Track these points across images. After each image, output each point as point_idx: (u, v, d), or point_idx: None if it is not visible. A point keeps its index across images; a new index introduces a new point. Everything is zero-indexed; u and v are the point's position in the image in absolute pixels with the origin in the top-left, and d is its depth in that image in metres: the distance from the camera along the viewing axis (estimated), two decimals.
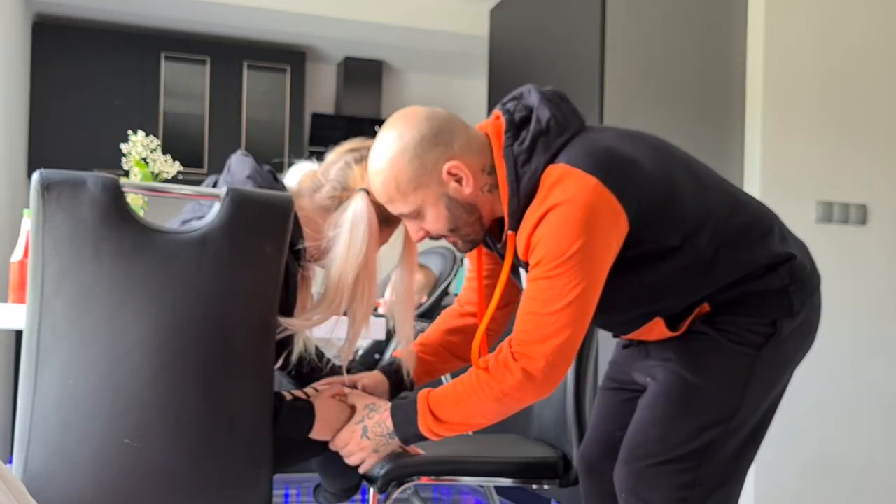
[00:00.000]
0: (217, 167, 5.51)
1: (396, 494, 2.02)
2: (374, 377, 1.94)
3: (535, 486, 2.23)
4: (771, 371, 1.76)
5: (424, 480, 2.06)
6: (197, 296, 1.50)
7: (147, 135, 2.62)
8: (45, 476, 1.48)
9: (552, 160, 1.64)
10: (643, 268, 1.70)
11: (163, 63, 5.42)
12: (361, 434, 1.75)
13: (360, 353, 3.29)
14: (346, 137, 6.42)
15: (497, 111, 1.73)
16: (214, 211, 1.53)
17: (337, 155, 1.81)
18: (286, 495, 4.46)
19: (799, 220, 3.61)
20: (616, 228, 1.62)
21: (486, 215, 1.73)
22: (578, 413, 2.16)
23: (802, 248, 1.82)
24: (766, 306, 1.74)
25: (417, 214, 1.71)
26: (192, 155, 5.43)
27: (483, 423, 1.70)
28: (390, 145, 1.66)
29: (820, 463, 3.60)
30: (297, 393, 1.81)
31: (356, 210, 1.71)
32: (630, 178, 1.64)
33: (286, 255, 1.58)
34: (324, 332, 1.85)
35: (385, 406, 1.76)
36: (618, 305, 1.76)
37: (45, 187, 1.45)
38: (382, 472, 2.00)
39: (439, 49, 5.68)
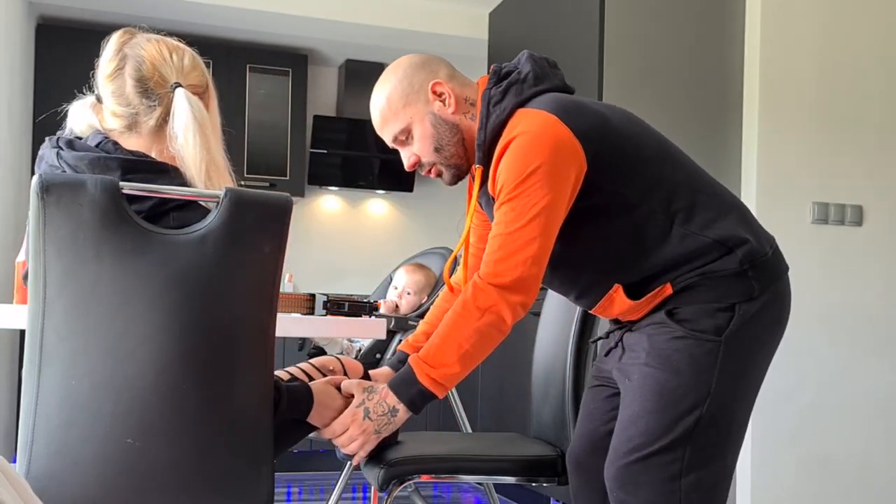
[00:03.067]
0: None
1: (397, 492, 2.04)
2: (384, 373, 2.00)
3: (533, 484, 2.25)
4: (736, 357, 1.78)
5: (425, 478, 2.08)
6: (197, 296, 1.50)
7: None
8: (49, 476, 1.48)
9: (522, 105, 1.80)
10: (597, 220, 1.79)
11: None
12: (363, 416, 1.78)
13: (362, 352, 3.31)
14: (347, 139, 6.44)
15: (493, 67, 1.90)
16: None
17: (114, 80, 1.65)
18: (288, 493, 4.48)
19: (795, 221, 3.62)
20: (574, 159, 1.73)
21: (467, 139, 1.88)
22: (577, 412, 2.18)
23: (764, 236, 1.85)
24: (725, 288, 1.77)
25: (407, 136, 1.89)
26: None
27: (475, 355, 1.75)
28: (386, 76, 1.91)
29: (816, 461, 3.61)
30: (294, 371, 1.82)
31: (180, 112, 1.60)
32: (591, 124, 1.77)
33: (284, 255, 1.59)
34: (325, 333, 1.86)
35: (382, 386, 1.79)
36: (572, 260, 1.84)
37: (45, 190, 1.45)
38: (383, 470, 2.02)
39: (439, 52, 5.70)
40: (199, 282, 1.50)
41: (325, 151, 5.74)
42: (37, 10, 5.14)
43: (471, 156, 1.89)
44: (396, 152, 1.97)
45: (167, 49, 1.67)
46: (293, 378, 1.82)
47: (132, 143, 1.63)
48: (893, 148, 3.76)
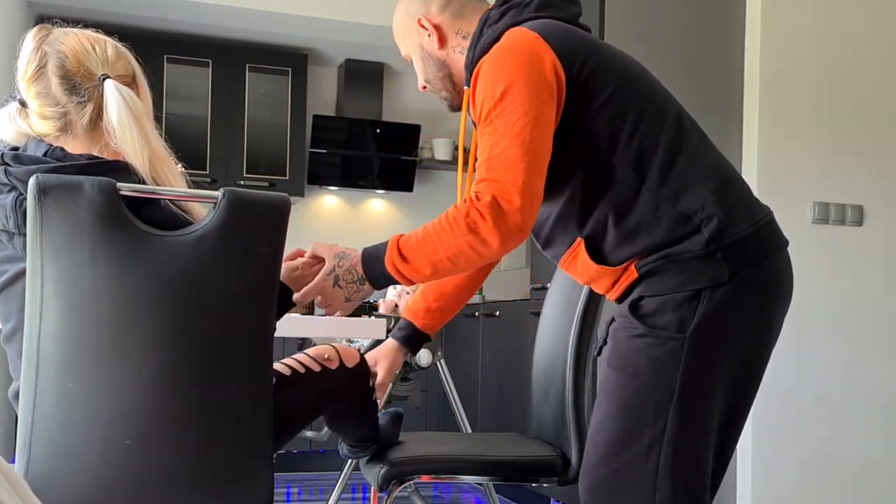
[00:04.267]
0: (219, 169, 5.55)
1: (397, 492, 2.04)
2: (389, 344, 2.10)
3: (533, 484, 2.25)
4: (705, 353, 1.65)
5: (425, 478, 2.08)
6: (194, 297, 1.50)
7: None
8: (47, 478, 1.48)
9: (515, 25, 1.74)
10: (566, 166, 1.70)
11: (165, 65, 5.44)
12: (333, 283, 1.73)
13: (361, 352, 3.31)
14: (347, 139, 6.42)
15: None
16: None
17: (37, 80, 1.58)
18: (288, 493, 4.48)
19: (795, 220, 3.62)
20: (551, 70, 1.66)
21: (455, 74, 1.87)
22: (577, 412, 2.17)
23: (743, 213, 1.68)
24: (692, 273, 1.63)
25: (410, 60, 1.92)
26: (194, 157, 5.45)
27: (447, 268, 1.67)
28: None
29: (817, 460, 3.62)
30: (290, 362, 1.81)
31: (113, 105, 1.55)
32: (576, 48, 1.69)
33: (283, 255, 1.58)
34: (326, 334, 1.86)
35: (354, 253, 1.74)
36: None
37: (42, 191, 1.43)
38: (383, 470, 2.02)
39: None
40: (196, 283, 1.50)
41: (325, 151, 5.74)
42: (36, 9, 5.14)
43: (461, 88, 1.88)
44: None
45: (88, 41, 1.61)
46: (293, 371, 1.81)
47: (71, 146, 1.57)
48: (893, 148, 3.77)
